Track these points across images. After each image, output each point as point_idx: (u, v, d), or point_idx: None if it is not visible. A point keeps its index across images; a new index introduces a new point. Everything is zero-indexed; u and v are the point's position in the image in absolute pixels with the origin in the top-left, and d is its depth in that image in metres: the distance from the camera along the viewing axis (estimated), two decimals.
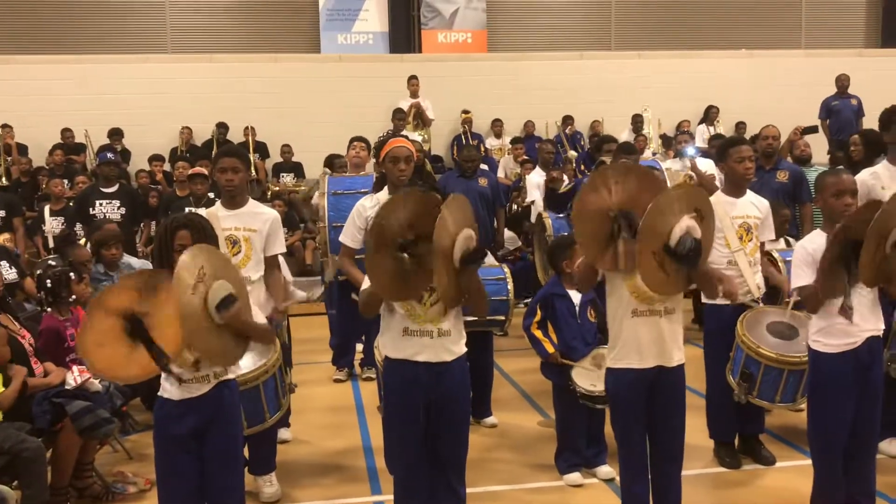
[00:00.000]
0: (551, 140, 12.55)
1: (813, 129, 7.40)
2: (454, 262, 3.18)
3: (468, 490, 4.36)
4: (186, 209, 6.61)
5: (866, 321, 3.71)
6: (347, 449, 5.34)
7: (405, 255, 3.19)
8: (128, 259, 6.42)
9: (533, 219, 9.06)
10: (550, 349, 4.74)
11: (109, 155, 8.73)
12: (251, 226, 4.53)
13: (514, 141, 12.62)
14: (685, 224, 3.27)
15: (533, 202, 9.39)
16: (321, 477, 4.92)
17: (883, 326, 3.79)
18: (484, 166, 11.02)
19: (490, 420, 5.73)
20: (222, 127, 12.80)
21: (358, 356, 7.19)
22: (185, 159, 10.71)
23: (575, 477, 4.65)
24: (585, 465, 4.74)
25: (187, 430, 3.21)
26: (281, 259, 5.63)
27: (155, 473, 3.41)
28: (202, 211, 4.61)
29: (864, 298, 3.70)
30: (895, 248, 3.43)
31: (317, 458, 5.22)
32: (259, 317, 3.43)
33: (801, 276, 3.74)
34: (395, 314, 3.46)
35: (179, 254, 3.12)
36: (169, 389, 3.21)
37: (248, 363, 4.21)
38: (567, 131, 13.26)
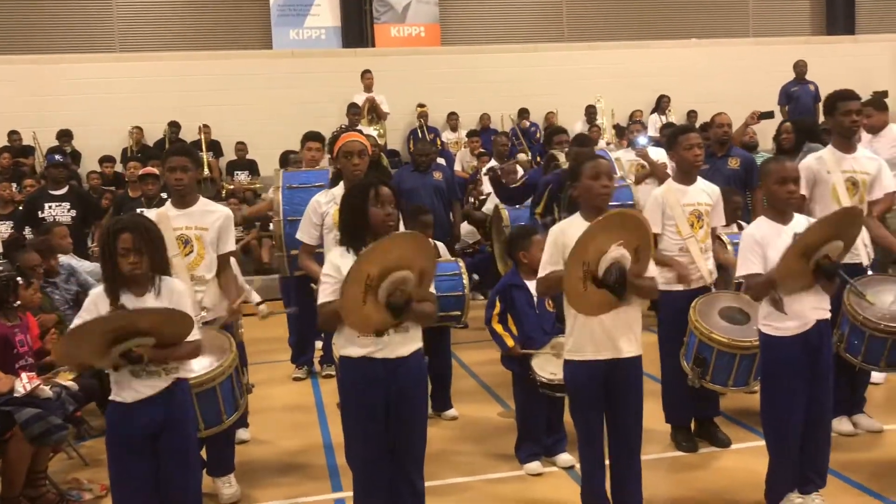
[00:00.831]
0: (506, 132, 12.62)
1: (769, 115, 7.52)
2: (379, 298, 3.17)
3: (428, 483, 4.37)
4: (138, 210, 6.51)
5: (813, 305, 3.79)
6: (307, 447, 5.30)
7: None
8: (67, 260, 6.32)
9: (489, 210, 9.11)
10: (511, 343, 4.76)
11: (58, 157, 8.57)
12: (202, 224, 4.48)
13: (471, 134, 12.65)
14: (614, 254, 3.32)
15: (490, 194, 9.42)
16: (281, 476, 4.88)
17: (829, 306, 3.87)
18: (441, 160, 11.05)
19: (450, 413, 5.74)
20: (174, 126, 12.63)
21: (317, 353, 7.14)
22: (137, 159, 10.50)
23: (535, 466, 4.68)
24: (545, 453, 4.77)
25: (140, 432, 3.18)
26: (232, 260, 5.59)
27: (109, 478, 3.36)
28: (152, 212, 4.54)
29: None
30: (816, 266, 3.57)
31: (276, 458, 5.18)
32: (194, 335, 3.40)
33: (748, 263, 3.80)
34: None
35: (124, 257, 3.08)
36: (120, 392, 3.16)
37: (203, 364, 4.17)
38: (521, 125, 13.32)
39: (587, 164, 3.82)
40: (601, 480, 3.75)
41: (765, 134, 9.35)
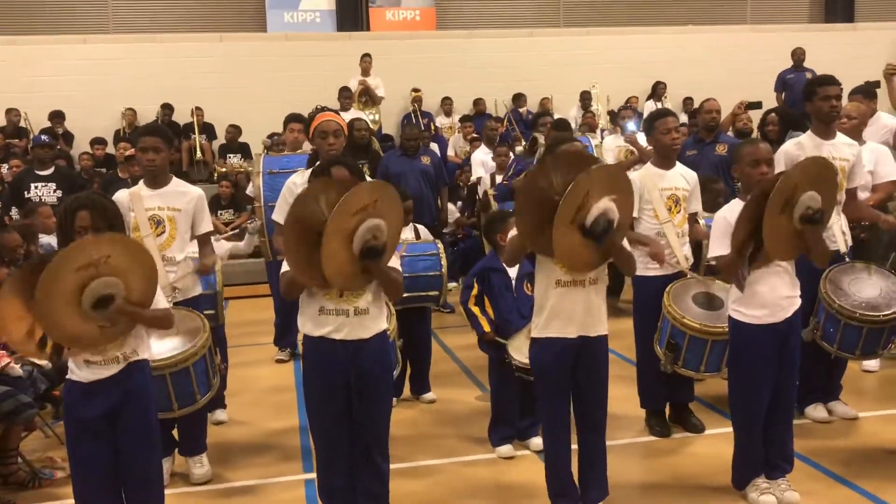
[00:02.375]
0: (498, 118, 12.59)
1: (757, 105, 7.47)
2: (353, 248, 3.14)
3: (401, 465, 4.44)
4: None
5: (785, 295, 3.79)
6: (284, 429, 5.32)
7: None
8: (49, 240, 6.33)
9: (479, 196, 9.08)
10: (486, 328, 4.75)
11: (44, 137, 8.56)
12: (175, 205, 4.47)
13: (464, 119, 12.60)
14: (604, 204, 3.29)
15: (479, 179, 9.40)
16: (255, 457, 4.89)
17: (798, 294, 3.86)
18: (433, 145, 11.03)
19: (428, 396, 5.75)
20: (167, 108, 12.59)
21: (300, 336, 7.13)
22: (128, 140, 10.50)
23: (506, 449, 4.68)
24: (518, 436, 4.77)
25: (98, 413, 3.16)
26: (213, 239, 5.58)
27: (68, 459, 3.36)
28: (124, 191, 4.53)
29: (780, 271, 3.76)
30: (802, 220, 3.49)
31: (252, 439, 5.20)
32: (162, 302, 3.36)
33: (720, 245, 3.79)
34: (312, 292, 3.43)
35: (81, 236, 3.05)
36: (77, 372, 3.16)
37: (176, 345, 4.18)
38: (519, 110, 13.26)
39: (561, 147, 3.82)
40: (566, 461, 3.75)
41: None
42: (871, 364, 5.89)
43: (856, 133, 5.30)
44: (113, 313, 3.01)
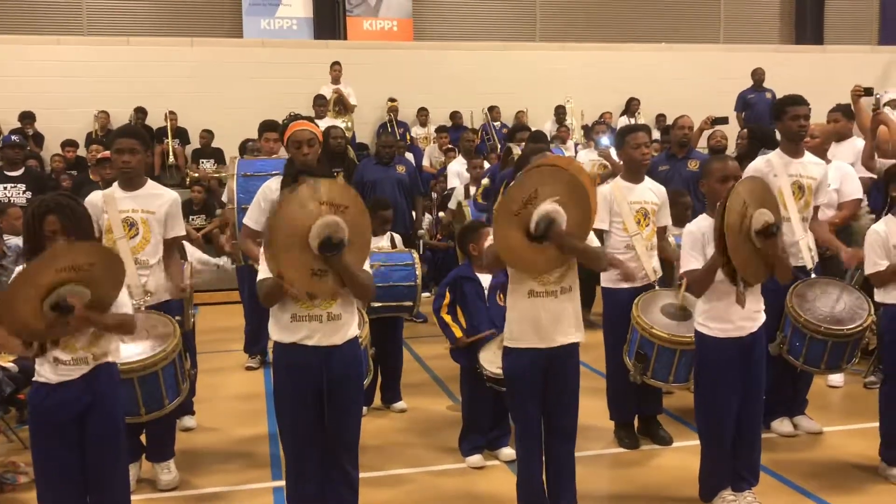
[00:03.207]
0: (475, 129, 12.67)
1: (723, 120, 7.59)
2: (313, 248, 3.15)
3: (370, 474, 4.43)
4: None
5: (753, 309, 3.84)
6: (253, 436, 5.29)
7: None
8: (17, 241, 6.24)
9: (453, 206, 9.11)
10: (458, 333, 4.77)
11: (14, 137, 8.46)
12: (149, 208, 4.44)
13: (439, 130, 12.66)
14: (546, 207, 3.34)
15: (453, 189, 9.45)
16: (223, 463, 4.86)
17: (763, 311, 3.92)
18: (408, 154, 11.07)
19: (399, 405, 5.75)
20: (141, 112, 12.50)
21: (272, 343, 7.10)
22: (101, 143, 10.41)
23: (476, 459, 4.69)
24: (488, 446, 4.78)
25: (65, 416, 3.13)
26: (189, 245, 5.56)
27: (32, 462, 3.31)
28: (98, 193, 4.50)
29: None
30: (760, 234, 3.56)
31: (220, 446, 5.16)
32: (126, 307, 3.33)
33: (690, 260, 3.84)
34: (286, 299, 3.42)
35: (51, 240, 3.03)
36: (44, 373, 3.12)
37: (146, 348, 4.15)
38: (492, 120, 13.34)
39: (534, 158, 3.85)
40: (538, 471, 3.76)
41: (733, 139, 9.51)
42: (836, 379, 5.99)
43: (819, 152, 5.40)
44: (69, 320, 3.02)
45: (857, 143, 6.45)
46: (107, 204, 4.38)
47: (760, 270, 3.73)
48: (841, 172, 5.82)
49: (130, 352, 4.03)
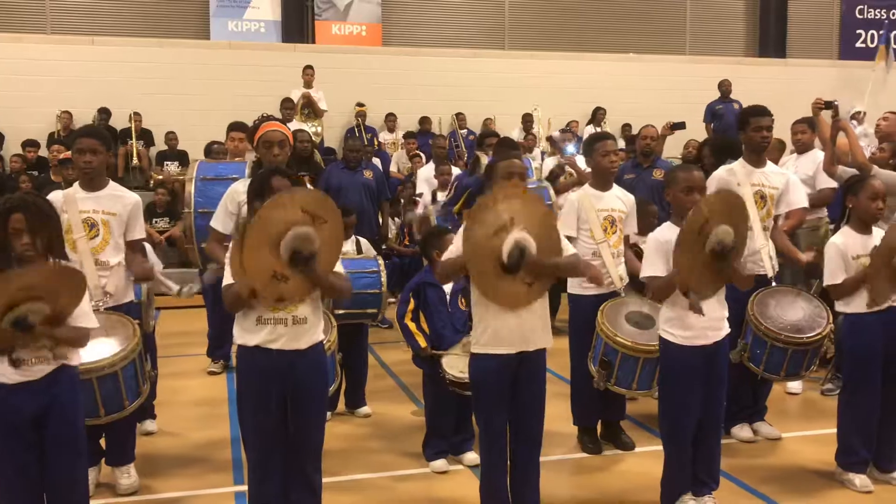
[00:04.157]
0: (444, 136, 12.68)
1: (681, 126, 7.66)
2: (282, 255, 3.15)
3: (333, 479, 4.40)
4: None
5: (716, 318, 3.88)
6: (214, 440, 5.23)
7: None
8: None
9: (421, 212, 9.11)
10: (423, 343, 4.76)
11: None
12: (111, 209, 4.39)
13: (408, 135, 12.66)
14: (513, 238, 3.37)
15: (421, 195, 9.46)
16: (184, 468, 4.80)
17: (726, 314, 3.96)
18: (376, 160, 11.04)
19: (363, 410, 5.73)
20: (104, 112, 12.35)
21: (235, 348, 7.03)
22: (62, 143, 10.27)
23: (440, 464, 4.69)
24: (452, 451, 4.79)
25: (24, 417, 3.08)
26: (149, 248, 5.47)
27: None
28: (58, 193, 4.43)
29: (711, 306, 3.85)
30: (712, 254, 3.61)
31: (182, 450, 5.09)
32: (86, 316, 3.29)
33: (652, 266, 3.89)
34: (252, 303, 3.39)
35: (16, 238, 2.99)
36: (4, 373, 3.06)
37: (106, 349, 4.08)
38: (459, 130, 13.38)
39: (501, 164, 3.87)
40: (502, 476, 3.76)
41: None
42: (795, 386, 6.09)
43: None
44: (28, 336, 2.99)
45: (818, 155, 6.57)
46: (67, 204, 4.32)
47: (709, 281, 3.75)
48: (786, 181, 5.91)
49: (90, 353, 3.96)
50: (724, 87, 13.29)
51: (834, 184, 6.21)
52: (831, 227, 6.24)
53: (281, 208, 3.15)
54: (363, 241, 6.15)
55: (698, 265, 3.64)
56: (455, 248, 3.63)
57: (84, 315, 3.22)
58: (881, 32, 15.77)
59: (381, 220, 8.57)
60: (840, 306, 4.46)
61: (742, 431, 5.12)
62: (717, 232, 3.58)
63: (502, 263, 3.40)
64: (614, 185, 5.03)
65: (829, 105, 6.47)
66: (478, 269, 3.43)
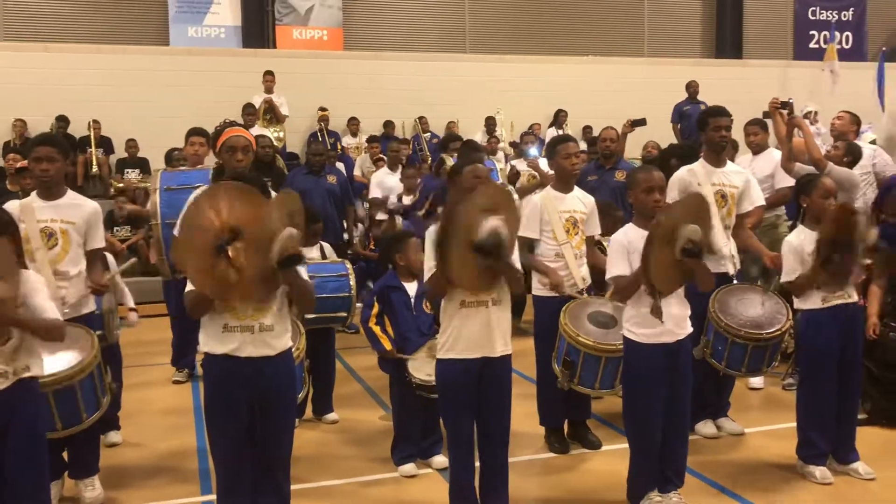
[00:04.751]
0: (405, 139, 12.71)
1: (642, 122, 7.72)
2: (271, 260, 3.12)
3: (300, 486, 4.39)
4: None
5: (675, 321, 3.94)
6: (180, 450, 5.18)
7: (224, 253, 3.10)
8: None
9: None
10: (388, 346, 4.76)
11: None
12: (69, 218, 4.32)
13: (371, 140, 12.63)
14: (494, 222, 3.39)
15: (376, 198, 9.49)
16: (150, 479, 4.75)
17: (689, 324, 4.02)
18: (340, 165, 11.02)
19: (331, 416, 5.71)
20: (62, 120, 12.14)
21: (200, 356, 6.97)
22: (18, 152, 10.07)
23: (409, 468, 4.69)
24: (421, 455, 4.79)
25: None
26: (111, 258, 5.41)
27: None
28: (15, 202, 4.36)
29: (671, 297, 3.91)
30: (682, 253, 3.67)
31: (147, 461, 5.04)
32: (49, 311, 3.23)
33: (615, 266, 3.94)
34: (217, 309, 3.37)
35: None
36: None
37: (64, 361, 4.02)
38: (422, 134, 13.40)
39: (466, 168, 3.89)
40: (470, 479, 3.79)
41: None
42: (757, 382, 6.19)
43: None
44: None
45: (774, 154, 6.68)
46: (24, 213, 4.25)
47: (673, 281, 3.81)
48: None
49: (46, 365, 3.89)
50: (692, 88, 13.46)
51: (792, 182, 6.32)
52: (789, 223, 6.36)
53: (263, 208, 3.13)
54: (327, 246, 6.13)
55: (664, 265, 3.69)
56: (430, 262, 3.64)
57: (47, 311, 3.17)
58: (825, 33, 16.21)
59: (345, 225, 8.54)
60: (797, 303, 4.55)
61: (706, 428, 5.19)
62: (685, 231, 3.64)
63: (475, 244, 3.40)
64: (575, 187, 5.09)
65: (785, 105, 6.60)
66: (449, 244, 3.42)
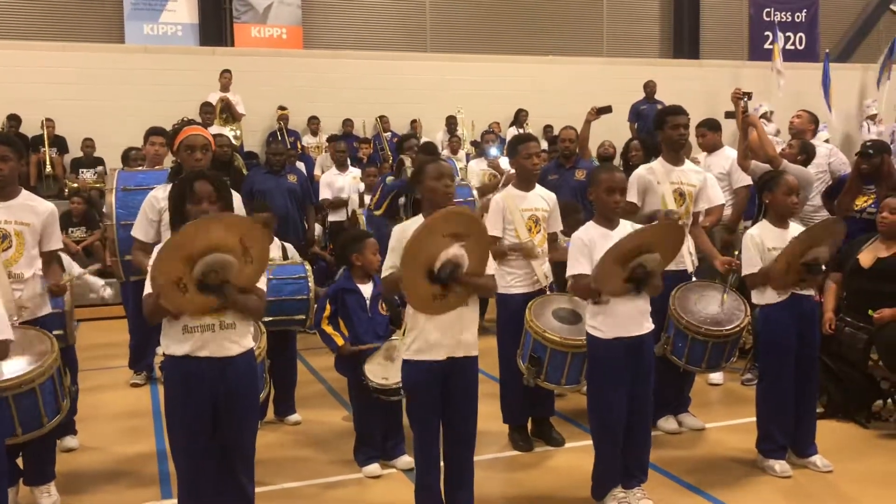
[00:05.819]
0: (366, 139, 12.69)
1: (607, 109, 7.76)
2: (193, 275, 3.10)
3: (264, 488, 4.34)
4: None
5: (635, 318, 3.98)
6: (139, 454, 5.09)
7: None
8: None
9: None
10: (340, 342, 4.73)
11: None
12: (24, 219, 4.22)
13: (332, 139, 12.55)
14: (451, 251, 3.40)
15: (348, 198, 9.49)
16: (108, 484, 4.66)
17: (650, 321, 4.07)
18: (300, 164, 10.95)
19: (293, 417, 5.66)
20: (13, 119, 11.84)
21: (158, 359, 6.87)
22: None
23: (373, 468, 4.67)
24: (385, 457, 4.77)
25: None
26: (67, 258, 5.31)
27: None
28: None
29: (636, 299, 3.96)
30: (629, 273, 3.78)
31: (105, 466, 4.95)
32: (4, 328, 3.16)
33: (576, 264, 3.96)
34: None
35: None
36: None
37: (22, 365, 3.93)
38: (382, 133, 13.35)
39: (429, 166, 3.87)
40: (436, 479, 3.77)
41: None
42: (716, 377, 6.27)
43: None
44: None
45: (727, 153, 6.79)
46: None
47: (611, 288, 3.89)
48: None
49: (5, 369, 3.81)
50: (650, 88, 13.63)
51: (748, 180, 6.43)
52: (747, 223, 6.45)
53: (206, 231, 3.09)
54: (289, 246, 6.08)
55: (615, 277, 3.78)
56: (390, 261, 3.64)
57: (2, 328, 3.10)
58: (767, 34, 16.60)
59: (306, 225, 8.48)
60: (755, 297, 4.62)
61: (667, 423, 5.24)
62: (645, 258, 3.73)
63: (432, 273, 3.41)
64: (537, 185, 5.10)
65: (748, 95, 6.75)
66: (408, 272, 3.43)
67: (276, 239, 5.88)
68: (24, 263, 4.20)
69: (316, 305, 5.17)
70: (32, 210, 4.26)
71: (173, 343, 3.34)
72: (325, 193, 9.67)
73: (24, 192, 4.33)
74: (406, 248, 3.36)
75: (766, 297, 4.54)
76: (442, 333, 3.62)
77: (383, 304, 4.79)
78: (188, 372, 3.31)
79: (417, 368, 3.68)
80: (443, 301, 3.52)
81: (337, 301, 4.81)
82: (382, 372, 4.56)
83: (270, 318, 5.24)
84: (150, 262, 3.22)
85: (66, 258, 5.21)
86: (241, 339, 3.40)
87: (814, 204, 6.62)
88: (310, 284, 5.46)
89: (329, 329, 4.75)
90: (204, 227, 3.11)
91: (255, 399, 3.64)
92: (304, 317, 5.49)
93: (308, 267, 5.64)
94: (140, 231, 4.47)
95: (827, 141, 9.74)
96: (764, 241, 4.51)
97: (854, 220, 5.96)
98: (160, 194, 4.50)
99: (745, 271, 4.57)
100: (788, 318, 4.49)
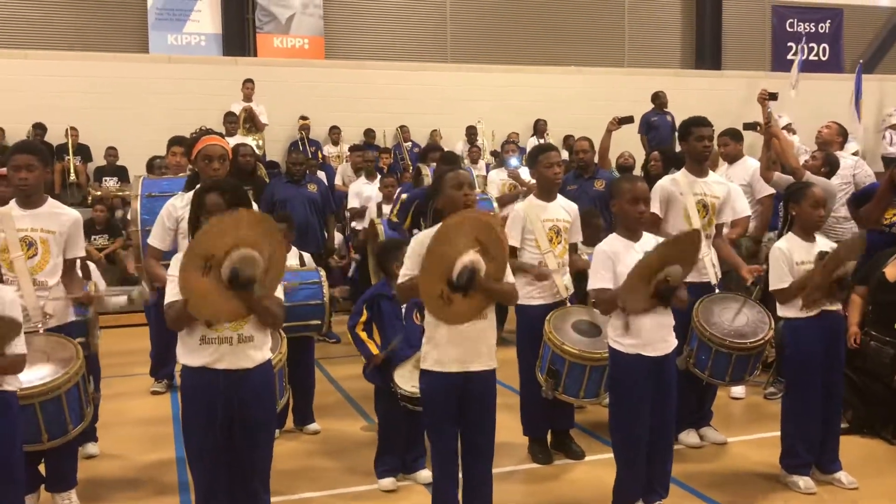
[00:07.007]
0: (386, 148, 12.72)
1: (629, 120, 7.73)
2: (223, 280, 3.09)
3: (281, 498, 4.35)
4: None
5: (660, 325, 3.93)
6: (159, 462, 5.11)
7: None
8: None
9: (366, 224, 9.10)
10: (375, 350, 4.72)
11: None
12: (49, 227, 4.26)
13: (353, 148, 12.60)
14: (468, 258, 3.39)
15: (366, 208, 9.50)
16: (128, 491, 4.68)
17: (672, 323, 4.02)
18: (321, 173, 10.99)
19: (312, 427, 5.65)
20: (39, 128, 12.00)
21: (179, 367, 6.89)
22: None
23: (388, 482, 4.62)
24: (405, 469, 4.73)
25: None
26: (94, 268, 5.34)
27: None
28: None
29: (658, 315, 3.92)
30: (656, 288, 3.74)
31: (125, 473, 4.97)
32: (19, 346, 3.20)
33: (599, 277, 3.92)
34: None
35: None
36: None
37: (48, 372, 3.97)
38: (403, 143, 13.39)
39: (448, 175, 3.86)
40: (454, 491, 3.75)
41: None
42: (739, 391, 6.21)
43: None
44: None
45: (749, 163, 6.74)
46: (2, 222, 4.19)
47: (647, 306, 3.85)
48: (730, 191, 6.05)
49: (31, 376, 3.84)
50: (660, 98, 13.52)
51: (771, 190, 6.37)
52: (772, 234, 6.39)
53: (220, 233, 3.09)
54: (307, 255, 6.09)
55: (641, 292, 3.75)
56: (407, 268, 3.63)
57: (17, 344, 3.13)
58: (790, 44, 16.46)
59: (326, 234, 8.50)
60: (781, 311, 4.55)
61: (689, 437, 5.19)
62: (668, 271, 3.69)
63: (450, 281, 3.40)
64: (558, 196, 5.08)
65: (774, 96, 6.72)
66: (426, 284, 3.42)
67: (293, 248, 5.90)
68: (49, 271, 4.24)
69: (352, 310, 5.16)
70: (58, 218, 4.31)
71: (190, 353, 3.35)
72: (353, 202, 9.67)
73: (50, 200, 4.38)
74: (428, 250, 3.34)
75: (793, 310, 4.47)
76: (459, 346, 3.60)
77: (418, 314, 4.76)
78: (203, 383, 3.32)
79: (436, 379, 3.66)
80: (451, 305, 3.49)
81: (373, 307, 4.79)
82: (412, 380, 4.53)
83: (286, 325, 5.24)
84: (170, 271, 3.23)
85: (94, 270, 5.24)
86: (257, 352, 3.40)
87: (836, 215, 6.54)
88: (324, 290, 5.46)
89: (363, 335, 4.74)
90: (230, 223, 3.11)
91: (271, 411, 3.63)
92: (319, 322, 5.49)
93: (322, 273, 5.64)
94: (156, 239, 4.51)
95: (856, 153, 9.63)
96: (792, 256, 4.45)
97: (882, 233, 5.88)
98: (178, 203, 4.53)
99: (774, 286, 4.48)
100: (816, 334, 4.43)
